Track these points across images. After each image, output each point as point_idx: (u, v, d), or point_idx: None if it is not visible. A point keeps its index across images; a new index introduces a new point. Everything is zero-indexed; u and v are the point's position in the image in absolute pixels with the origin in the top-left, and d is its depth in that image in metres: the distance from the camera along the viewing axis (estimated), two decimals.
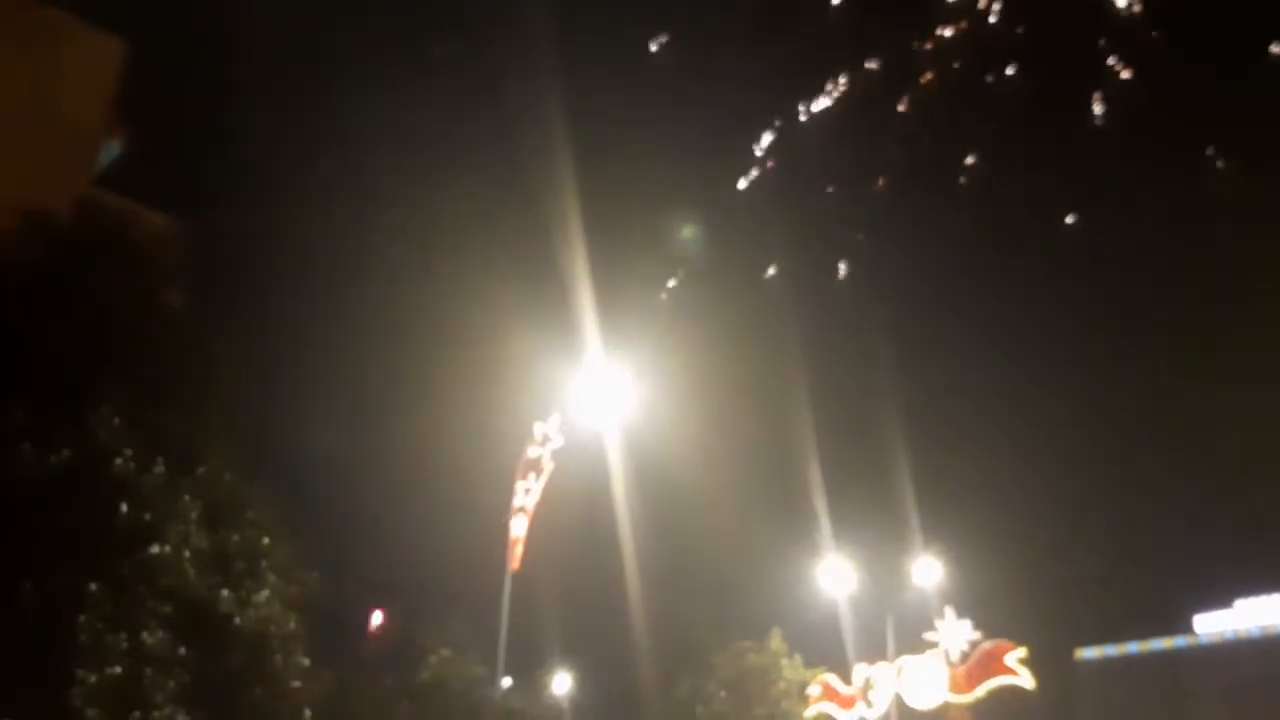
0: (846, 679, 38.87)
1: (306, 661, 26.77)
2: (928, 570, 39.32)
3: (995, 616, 39.32)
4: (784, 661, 39.05)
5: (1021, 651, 36.28)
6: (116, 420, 24.94)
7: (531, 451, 28.15)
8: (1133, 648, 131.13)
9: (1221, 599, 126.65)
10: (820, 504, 40.74)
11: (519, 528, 27.80)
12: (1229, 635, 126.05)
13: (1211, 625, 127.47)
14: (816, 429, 45.06)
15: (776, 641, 39.32)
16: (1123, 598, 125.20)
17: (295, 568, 26.94)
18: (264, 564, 26.29)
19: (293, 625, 26.32)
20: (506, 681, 30.92)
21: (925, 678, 36.88)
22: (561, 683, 40.59)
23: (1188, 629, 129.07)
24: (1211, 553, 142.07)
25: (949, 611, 37.47)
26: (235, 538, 26.17)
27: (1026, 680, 36.05)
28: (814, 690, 40.11)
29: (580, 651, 39.93)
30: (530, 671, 36.97)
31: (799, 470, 42.36)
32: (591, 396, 28.32)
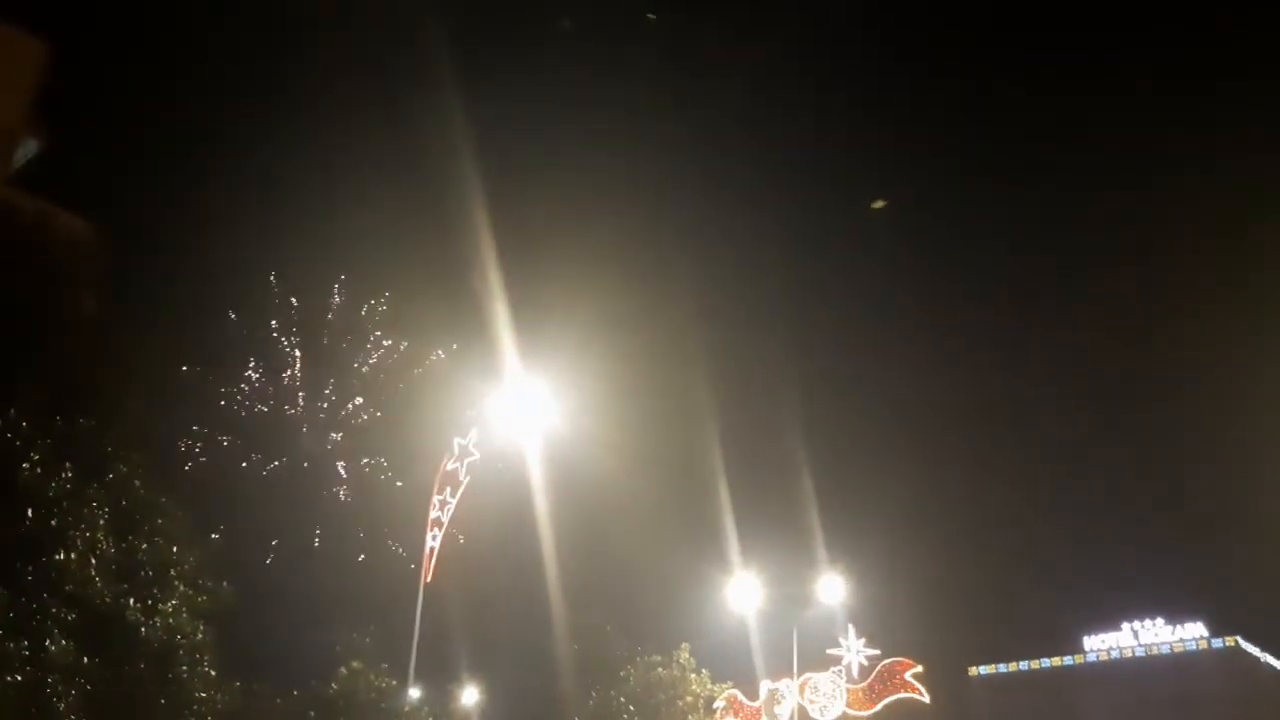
0: (752, 694, 39.51)
1: (213, 672, 26.44)
2: (832, 588, 40.14)
3: (895, 634, 40.47)
4: (691, 676, 39.47)
5: (919, 669, 37.30)
6: (24, 424, 24.56)
7: (449, 465, 28.25)
8: (1024, 665, 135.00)
9: (1109, 621, 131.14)
10: (729, 521, 41.37)
11: (434, 540, 27.87)
12: (1115, 655, 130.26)
13: (1099, 645, 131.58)
14: (727, 448, 45.66)
15: (685, 656, 39.72)
16: (1016, 618, 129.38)
17: (204, 577, 26.62)
18: (172, 573, 25.96)
19: (200, 635, 25.99)
20: (417, 693, 30.87)
21: (827, 693, 37.67)
22: (471, 695, 40.51)
23: (1077, 649, 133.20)
24: (1101, 577, 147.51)
25: (851, 629, 38.37)
26: (143, 546, 25.81)
27: (923, 696, 37.05)
28: (719, 705, 40.65)
29: (492, 663, 39.91)
30: (442, 683, 36.90)
31: (710, 487, 42.95)
32: (510, 411, 28.51)
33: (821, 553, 41.99)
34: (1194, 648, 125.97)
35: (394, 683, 28.92)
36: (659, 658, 38.71)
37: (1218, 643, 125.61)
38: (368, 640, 30.40)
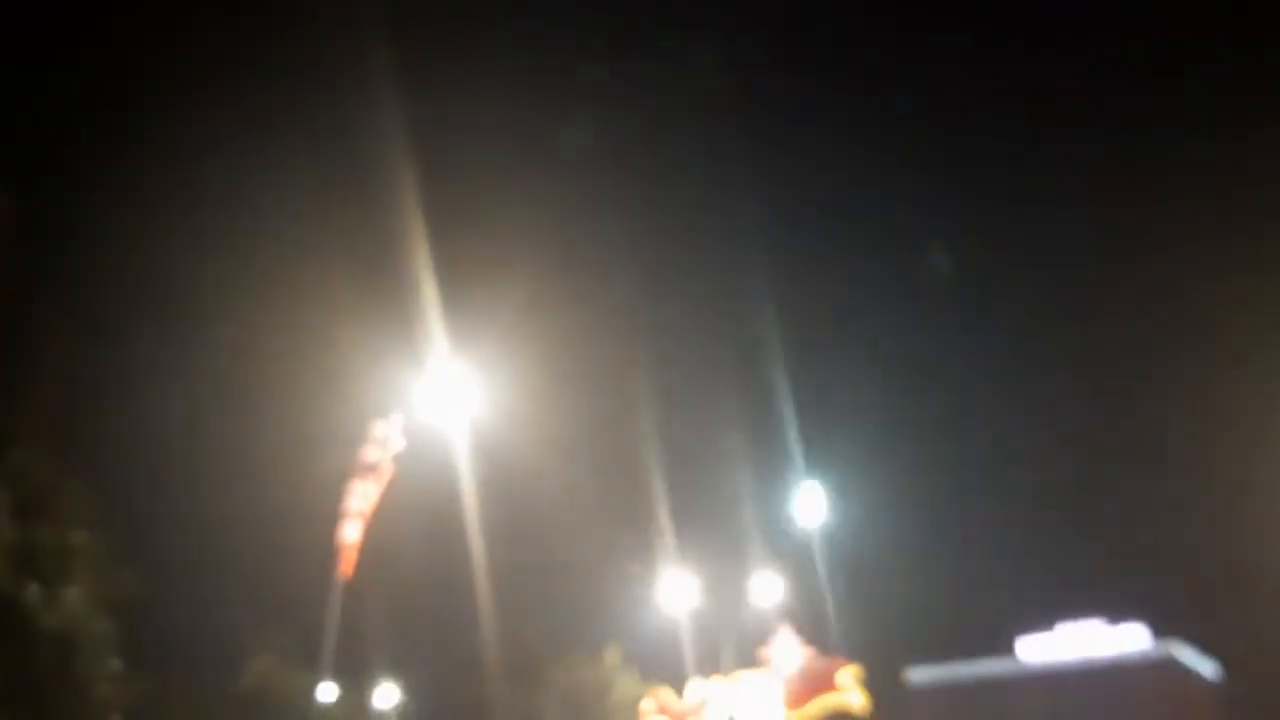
0: (682, 695, 38.83)
1: (118, 665, 25.44)
2: (767, 586, 39.60)
3: (833, 634, 39.89)
4: (620, 676, 38.74)
5: (854, 670, 36.74)
6: None
7: (370, 453, 27.20)
8: (960, 670, 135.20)
9: (1043, 621, 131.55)
10: (664, 516, 40.67)
11: (352, 533, 26.82)
12: (1051, 658, 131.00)
13: (1033, 646, 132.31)
14: (664, 439, 44.82)
15: (613, 656, 38.96)
16: (950, 618, 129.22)
17: (109, 566, 25.59)
18: (75, 561, 24.93)
19: (104, 626, 24.99)
20: (333, 691, 29.91)
21: (759, 694, 37.04)
22: (390, 694, 39.50)
23: (1014, 650, 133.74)
24: (1034, 577, 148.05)
25: (785, 628, 37.77)
26: (46, 532, 24.78)
27: (857, 699, 36.50)
28: (647, 705, 39.95)
29: (414, 662, 38.95)
30: (359, 682, 35.92)
31: (645, 480, 42.18)
32: (437, 396, 27.56)
33: (759, 549, 41.38)
34: (1131, 652, 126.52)
35: (308, 680, 27.95)
36: (587, 657, 38.01)
37: (1154, 647, 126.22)
38: (280, 636, 29.41)
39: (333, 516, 27.00)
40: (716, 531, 43.67)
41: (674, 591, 39.48)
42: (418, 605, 36.05)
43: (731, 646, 38.11)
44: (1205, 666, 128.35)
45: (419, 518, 33.58)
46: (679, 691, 38.72)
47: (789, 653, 37.26)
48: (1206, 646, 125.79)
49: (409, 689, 39.52)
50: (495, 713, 36.69)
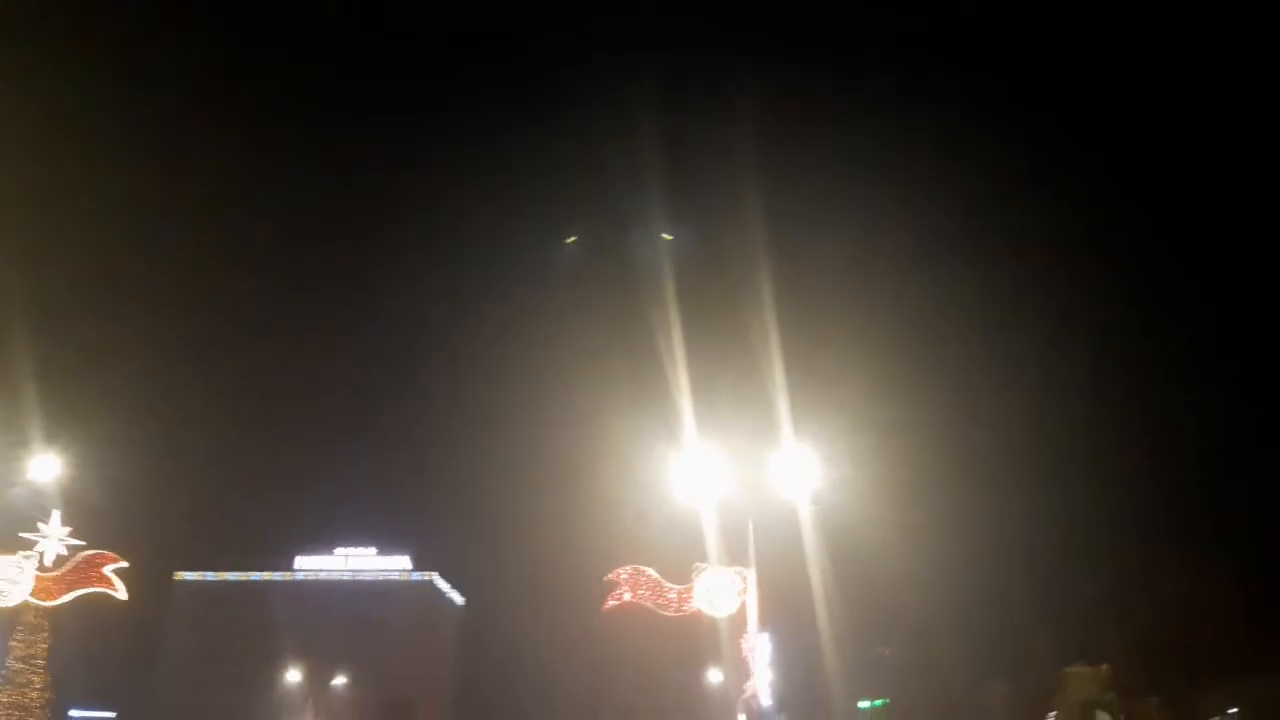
0: None
1: None
2: (44, 467, 37.03)
3: (105, 529, 38.37)
4: None
5: (121, 564, 35.93)
6: None
7: None
8: (233, 576, 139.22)
9: (324, 544, 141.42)
10: None
11: None
12: (324, 575, 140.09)
13: (311, 566, 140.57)
14: None
15: None
16: (232, 530, 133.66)
17: None
18: None
19: None
20: None
21: (8, 577, 34.80)
22: None
23: (290, 567, 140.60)
24: (321, 503, 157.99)
25: (55, 514, 35.89)
26: None
27: (121, 592, 35.84)
28: None
29: None
30: None
31: None
32: None
33: (38, 431, 38.61)
34: (397, 578, 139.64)
35: None
36: None
37: (417, 576, 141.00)
38: None
39: None
40: None
41: None
42: None
43: None
44: (454, 594, 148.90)
45: None
46: None
47: (55, 539, 35.51)
48: (455, 579, 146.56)
49: None
50: None
